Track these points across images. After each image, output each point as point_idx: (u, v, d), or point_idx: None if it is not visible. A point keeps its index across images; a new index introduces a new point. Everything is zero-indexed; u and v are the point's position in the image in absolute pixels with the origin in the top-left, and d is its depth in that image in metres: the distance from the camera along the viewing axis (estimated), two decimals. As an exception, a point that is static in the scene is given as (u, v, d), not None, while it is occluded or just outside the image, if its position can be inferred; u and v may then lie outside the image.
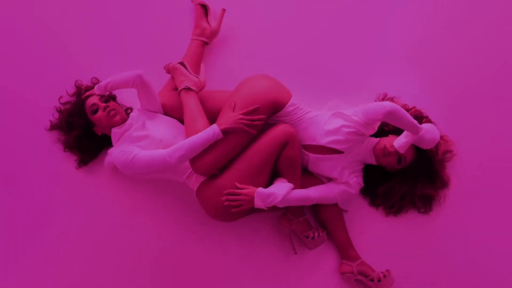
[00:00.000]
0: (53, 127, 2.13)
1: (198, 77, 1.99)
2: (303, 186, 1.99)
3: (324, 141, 1.92)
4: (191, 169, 1.95)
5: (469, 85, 2.17)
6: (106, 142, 2.04)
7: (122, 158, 1.88)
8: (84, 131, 2.02)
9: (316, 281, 2.15)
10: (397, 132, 1.95)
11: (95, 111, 1.95)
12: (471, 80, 2.17)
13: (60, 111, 2.12)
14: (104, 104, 1.95)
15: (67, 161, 2.14)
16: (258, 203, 1.85)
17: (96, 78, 2.12)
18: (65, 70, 2.17)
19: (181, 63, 1.99)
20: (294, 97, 1.97)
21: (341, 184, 1.99)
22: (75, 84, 2.12)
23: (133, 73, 1.93)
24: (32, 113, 2.16)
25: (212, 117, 1.95)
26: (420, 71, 2.17)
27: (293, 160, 1.90)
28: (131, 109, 2.12)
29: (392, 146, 1.89)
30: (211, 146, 1.86)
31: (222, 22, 2.13)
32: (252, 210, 1.94)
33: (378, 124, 1.96)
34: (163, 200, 2.16)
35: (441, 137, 2.02)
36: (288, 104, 1.93)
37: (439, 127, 2.03)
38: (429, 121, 2.02)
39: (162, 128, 1.99)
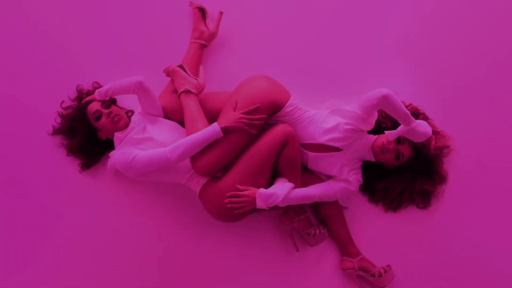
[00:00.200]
0: (55, 131, 2.14)
1: (197, 80, 2.00)
2: (304, 184, 2.00)
3: (322, 139, 1.93)
4: (193, 171, 1.96)
5: (464, 82, 2.17)
6: (108, 146, 2.04)
7: (123, 159, 1.88)
8: (87, 136, 2.02)
9: (318, 277, 2.16)
10: (394, 128, 1.95)
11: (99, 118, 1.96)
12: (467, 77, 2.17)
13: (62, 116, 2.12)
14: (107, 111, 1.96)
15: (70, 165, 2.15)
16: (260, 204, 1.86)
17: (97, 83, 2.13)
18: (66, 75, 2.18)
19: (181, 66, 2.00)
20: (293, 97, 1.98)
21: (341, 181, 2.00)
22: (76, 89, 2.12)
23: (134, 79, 1.94)
24: (35, 118, 2.17)
25: (212, 118, 1.95)
26: (417, 69, 2.18)
27: (293, 159, 1.91)
28: (132, 112, 2.12)
29: (390, 143, 1.90)
30: (212, 147, 1.87)
31: (220, 25, 2.14)
32: (254, 210, 1.95)
33: (375, 118, 1.95)
34: (165, 201, 2.17)
35: (438, 133, 2.03)
36: (287, 105, 1.94)
37: (436, 123, 2.05)
38: (426, 117, 2.02)
39: (163, 131, 1.99)
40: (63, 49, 2.20)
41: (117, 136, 1.98)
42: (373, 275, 2.04)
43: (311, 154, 1.99)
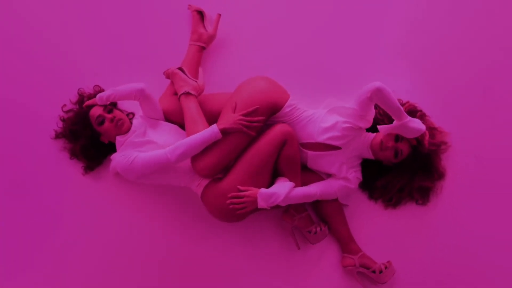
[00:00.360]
0: (58, 135, 2.14)
1: (196, 82, 2.01)
2: (304, 183, 2.01)
3: (321, 138, 1.94)
4: (193, 173, 1.97)
5: (461, 78, 2.18)
6: (111, 149, 2.05)
7: (123, 162, 1.90)
8: (90, 140, 2.03)
9: (319, 274, 2.16)
10: None
11: (102, 122, 1.96)
12: (463, 73, 2.18)
13: (63, 120, 2.13)
14: (110, 115, 1.96)
15: (73, 168, 2.16)
16: (261, 204, 1.87)
17: (98, 86, 2.13)
18: (68, 78, 2.18)
19: (180, 69, 2.01)
20: (292, 97, 1.99)
21: (340, 179, 2.01)
22: (78, 92, 2.13)
23: (135, 87, 1.95)
24: (37, 122, 2.17)
25: (212, 120, 1.97)
26: (415, 67, 2.19)
27: (293, 158, 1.92)
28: (133, 114, 2.14)
29: (389, 140, 1.91)
30: (212, 148, 1.88)
31: (218, 27, 2.15)
32: (256, 209, 1.96)
33: (373, 115, 1.96)
34: (167, 202, 2.17)
35: (436, 129, 2.03)
36: (285, 105, 1.96)
37: (433, 120, 2.06)
38: (424, 114, 2.03)
39: (163, 134, 2.00)
40: (64, 52, 2.21)
41: (119, 139, 2.00)
42: (373, 272, 2.04)
43: (310, 153, 2.00)
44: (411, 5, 2.21)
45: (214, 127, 1.86)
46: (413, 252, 2.15)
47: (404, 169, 2.03)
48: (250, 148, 1.92)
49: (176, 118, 2.07)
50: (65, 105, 2.14)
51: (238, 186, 1.89)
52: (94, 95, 2.05)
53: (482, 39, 2.19)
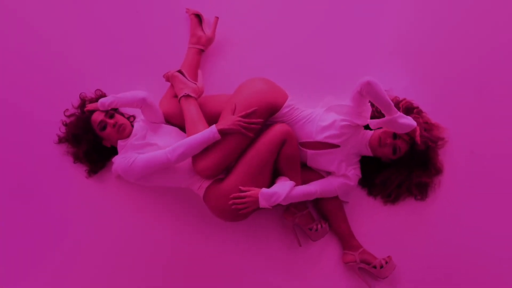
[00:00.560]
0: (61, 140, 2.15)
1: (196, 84, 2.02)
2: (304, 181, 2.03)
3: (320, 137, 1.96)
4: (194, 175, 1.99)
5: (457, 75, 2.19)
6: (114, 152, 2.06)
7: (123, 164, 1.91)
8: (93, 144, 2.04)
9: (321, 271, 2.17)
10: None
11: (104, 128, 1.97)
12: (459, 70, 2.19)
13: (65, 125, 2.13)
14: (112, 121, 1.97)
15: (77, 171, 2.17)
16: (263, 203, 1.89)
17: (100, 90, 2.14)
18: (69, 82, 2.20)
19: (180, 71, 2.03)
20: (290, 97, 2.00)
21: (340, 177, 2.03)
22: (79, 97, 2.13)
23: (137, 96, 1.96)
24: (42, 127, 2.19)
25: (212, 121, 1.98)
26: (411, 65, 2.20)
27: (292, 157, 1.94)
28: (134, 117, 2.15)
29: (387, 137, 1.92)
30: (212, 149, 1.89)
31: (216, 30, 2.17)
32: (258, 208, 1.96)
33: (369, 112, 1.97)
34: (170, 204, 2.19)
35: (433, 125, 2.04)
36: (284, 106, 1.97)
37: (430, 116, 2.07)
38: (420, 111, 2.04)
39: (165, 136, 2.02)
40: (65, 56, 2.23)
41: (120, 144, 2.01)
42: (374, 267, 2.05)
43: (309, 152, 2.01)
44: (407, 3, 2.22)
45: (213, 128, 1.87)
46: (413, 246, 2.16)
47: (402, 165, 2.04)
48: (250, 148, 1.93)
49: (176, 120, 2.09)
50: (67, 109, 2.15)
51: (240, 187, 1.91)
52: (96, 100, 2.06)
53: (478, 36, 2.20)
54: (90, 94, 2.15)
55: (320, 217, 2.17)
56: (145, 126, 2.04)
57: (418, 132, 1.88)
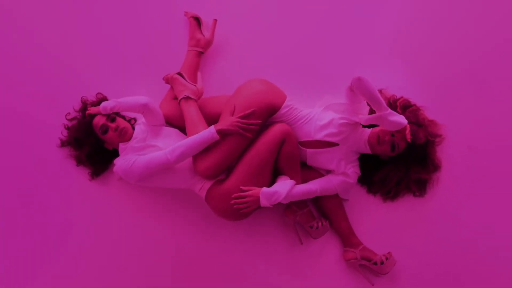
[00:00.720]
0: (63, 144, 2.16)
1: (195, 86, 2.04)
2: (304, 180, 2.04)
3: (319, 136, 1.97)
4: (195, 177, 2.00)
5: (454, 72, 2.20)
6: (116, 154, 2.06)
7: (123, 166, 1.92)
8: (95, 147, 2.05)
9: (322, 268, 2.18)
10: None
11: (106, 131, 1.98)
12: (456, 67, 2.20)
13: (67, 128, 2.14)
14: (113, 125, 1.97)
15: (80, 174, 2.19)
16: (263, 202, 1.90)
17: (101, 93, 2.15)
18: (70, 86, 2.21)
19: (179, 73, 2.04)
20: (289, 98, 2.01)
21: (340, 175, 2.04)
22: (81, 100, 2.14)
23: (139, 101, 1.97)
24: (45, 131, 2.20)
25: (212, 122, 1.99)
26: (409, 63, 2.21)
27: (292, 156, 1.95)
28: (135, 120, 2.15)
29: (386, 134, 1.93)
30: (213, 150, 1.91)
31: (215, 32, 2.18)
32: (259, 207, 1.97)
33: (366, 110, 1.98)
34: (173, 204, 2.20)
35: (431, 121, 2.06)
36: (283, 106, 1.98)
37: (427, 113, 2.08)
38: (417, 109, 2.05)
39: (165, 138, 2.02)
40: (66, 60, 2.24)
41: (122, 147, 2.02)
42: (375, 263, 2.06)
43: (309, 151, 2.02)
44: (406, 3, 2.23)
45: (212, 129, 1.88)
46: (412, 242, 2.16)
47: (401, 162, 2.05)
48: (250, 148, 1.94)
49: (176, 122, 2.10)
50: (68, 113, 2.16)
51: (241, 187, 1.92)
52: (97, 103, 2.07)
53: (475, 33, 2.21)
54: (91, 97, 2.15)
55: (320, 215, 2.18)
56: (145, 129, 2.05)
57: (408, 131, 1.88)
